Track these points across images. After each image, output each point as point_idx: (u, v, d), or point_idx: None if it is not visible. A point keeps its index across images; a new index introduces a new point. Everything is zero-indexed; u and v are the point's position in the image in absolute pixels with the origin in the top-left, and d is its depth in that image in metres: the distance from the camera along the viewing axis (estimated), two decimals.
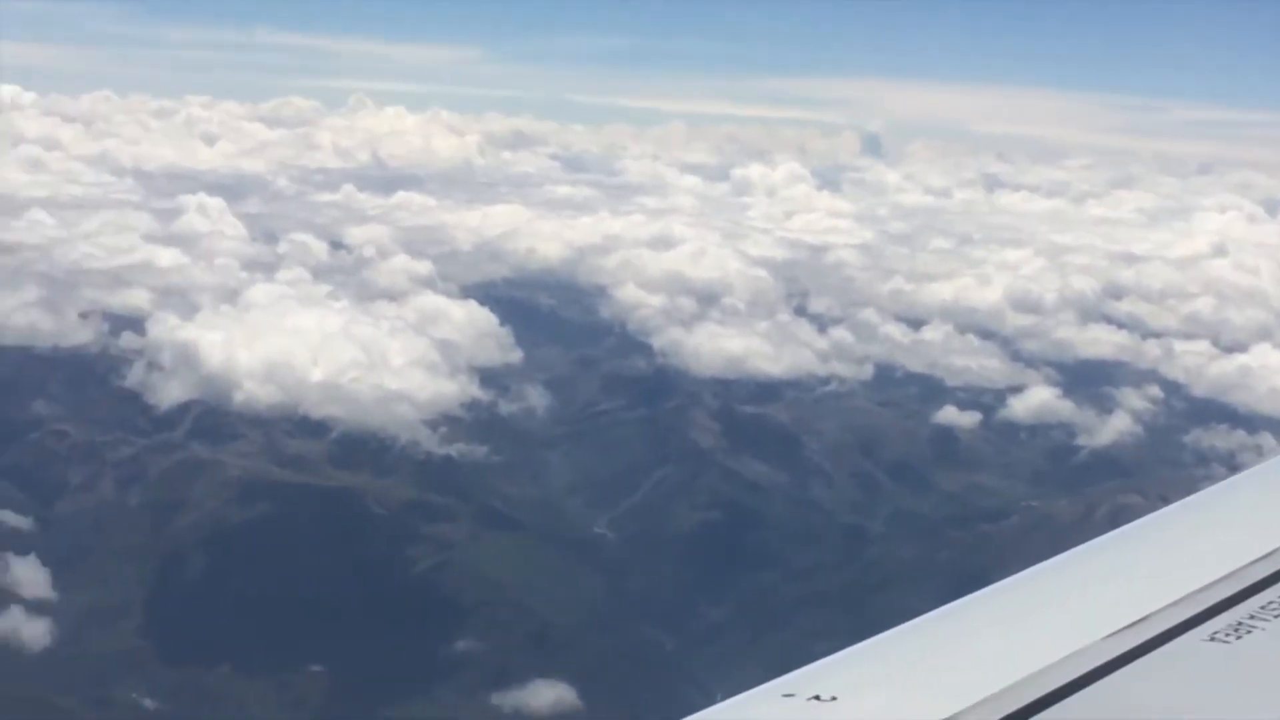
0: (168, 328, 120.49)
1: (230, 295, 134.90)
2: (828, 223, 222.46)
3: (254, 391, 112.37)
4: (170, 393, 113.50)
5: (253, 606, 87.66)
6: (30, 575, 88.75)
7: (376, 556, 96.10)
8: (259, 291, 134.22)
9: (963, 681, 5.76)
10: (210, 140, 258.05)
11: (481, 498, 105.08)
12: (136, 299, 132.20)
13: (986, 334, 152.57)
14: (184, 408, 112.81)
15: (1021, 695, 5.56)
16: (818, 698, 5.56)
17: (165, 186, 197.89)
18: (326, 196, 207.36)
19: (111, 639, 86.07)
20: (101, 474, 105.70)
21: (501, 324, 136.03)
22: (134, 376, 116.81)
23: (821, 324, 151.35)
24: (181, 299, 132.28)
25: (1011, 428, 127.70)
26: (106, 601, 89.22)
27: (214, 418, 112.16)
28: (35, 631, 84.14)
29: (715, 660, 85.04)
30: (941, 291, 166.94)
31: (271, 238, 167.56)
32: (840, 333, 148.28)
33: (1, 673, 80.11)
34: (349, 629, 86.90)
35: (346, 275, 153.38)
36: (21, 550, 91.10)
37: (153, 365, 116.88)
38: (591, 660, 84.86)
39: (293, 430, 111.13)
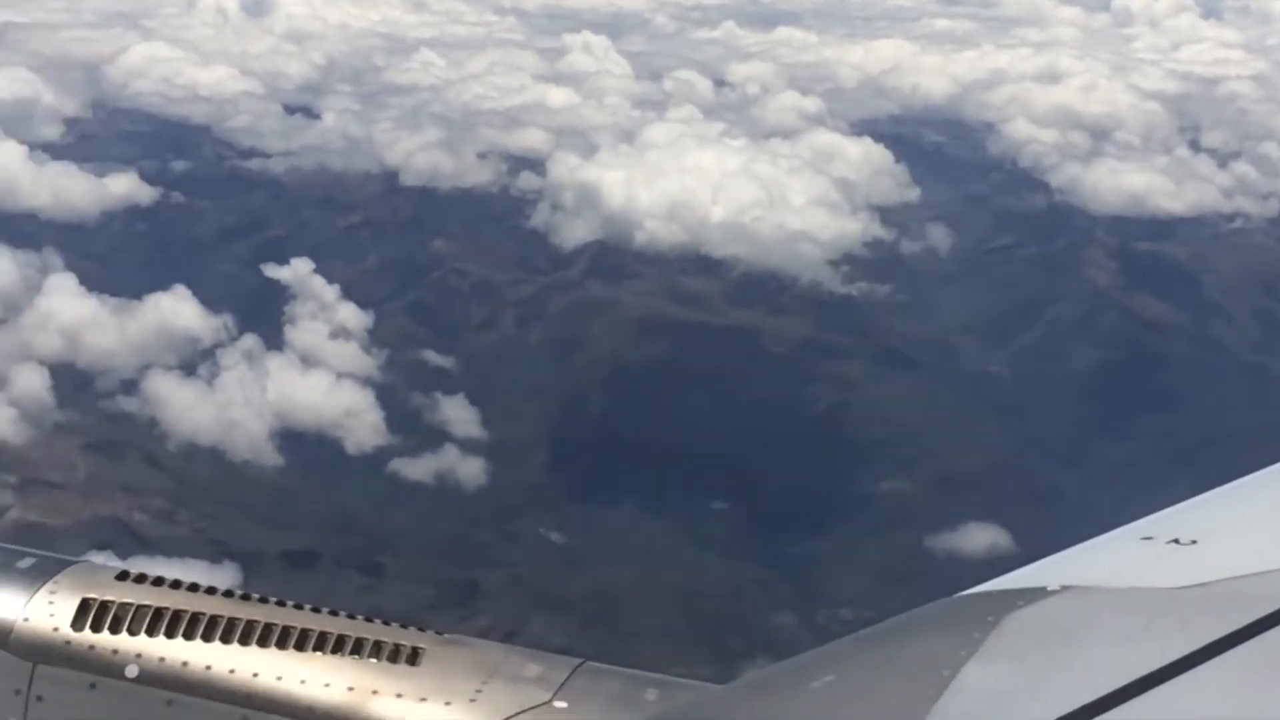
0: (567, 168, 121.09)
1: (625, 134, 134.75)
2: (1217, 53, 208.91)
3: (655, 231, 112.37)
4: (572, 232, 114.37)
5: (653, 444, 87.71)
6: (458, 413, 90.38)
7: (776, 395, 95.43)
8: (656, 131, 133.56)
9: None
10: None
11: (880, 337, 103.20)
12: (532, 139, 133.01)
13: None
14: (582, 247, 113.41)
15: None
16: (1177, 541, 5.41)
17: (546, 25, 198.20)
18: (706, 33, 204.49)
19: (520, 474, 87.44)
20: (502, 313, 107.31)
21: (896, 161, 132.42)
22: (536, 217, 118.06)
23: (1220, 159, 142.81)
24: (578, 138, 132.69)
25: None
26: (513, 438, 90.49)
27: (612, 257, 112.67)
28: (470, 470, 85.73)
29: (1119, 501, 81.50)
30: None
31: (656, 75, 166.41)
32: (1242, 167, 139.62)
33: (427, 510, 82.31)
34: (751, 466, 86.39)
35: (735, 113, 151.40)
36: (450, 389, 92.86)
37: (554, 206, 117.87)
38: (1013, 502, 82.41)
39: (691, 269, 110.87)
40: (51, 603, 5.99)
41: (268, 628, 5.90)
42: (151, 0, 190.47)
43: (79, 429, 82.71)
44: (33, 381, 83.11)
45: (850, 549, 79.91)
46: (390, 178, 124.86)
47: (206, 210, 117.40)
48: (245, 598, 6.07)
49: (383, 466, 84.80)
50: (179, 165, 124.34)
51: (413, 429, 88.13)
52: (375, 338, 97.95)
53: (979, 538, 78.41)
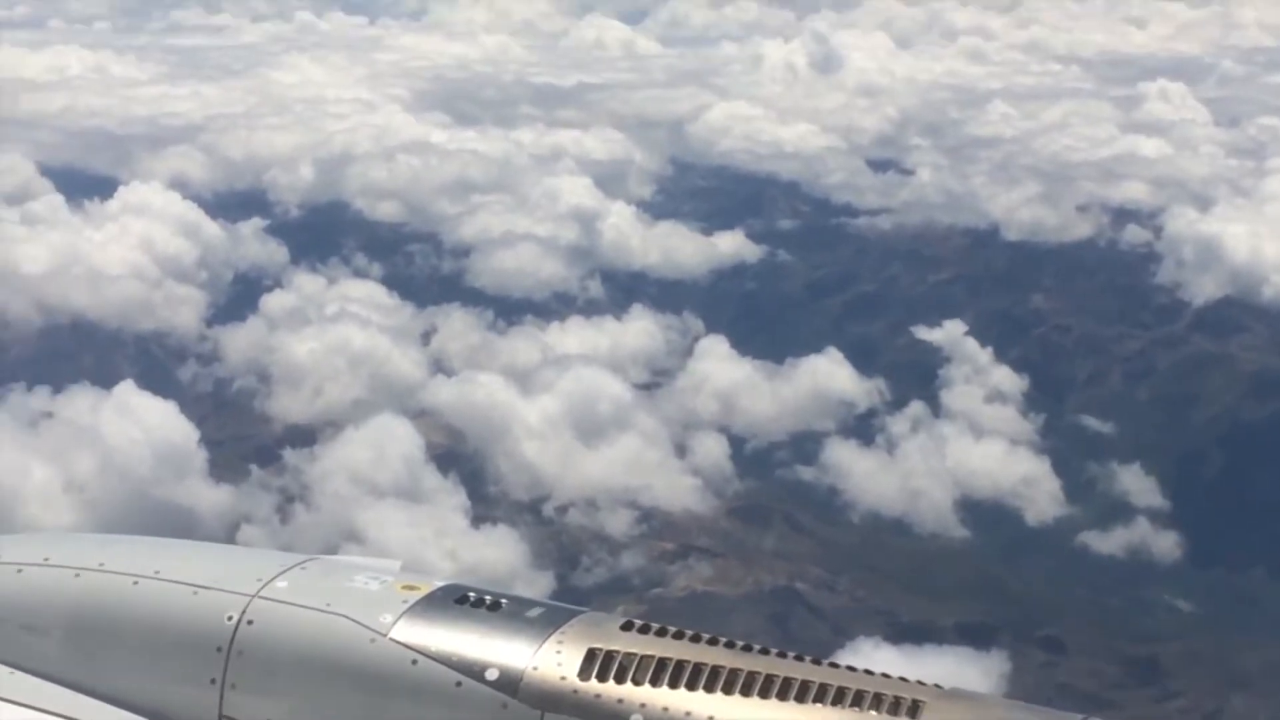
0: (1186, 221, 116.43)
1: (1234, 185, 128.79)
2: None
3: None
4: (1197, 287, 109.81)
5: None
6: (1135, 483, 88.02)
7: None
8: (1275, 183, 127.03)
9: None
10: (1139, 23, 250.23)
11: None
12: (1132, 190, 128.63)
13: None
14: (1201, 302, 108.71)
15: None
16: None
17: (1110, 73, 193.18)
18: (1277, 78, 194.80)
19: (1134, 538, 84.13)
20: (1108, 369, 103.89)
21: None
22: (1150, 271, 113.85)
23: None
24: (1178, 189, 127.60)
25: None
26: (1125, 498, 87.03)
27: (1224, 311, 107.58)
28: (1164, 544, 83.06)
29: None
30: None
31: (1234, 122, 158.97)
32: None
33: (1107, 583, 79.57)
34: None
35: None
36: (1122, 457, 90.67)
37: (1177, 261, 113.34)
38: None
39: None
40: (559, 652, 6.02)
41: (769, 679, 5.84)
42: (718, 58, 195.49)
43: (753, 496, 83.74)
44: (711, 449, 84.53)
45: None
46: (987, 232, 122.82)
47: (811, 267, 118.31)
48: (747, 648, 6.00)
49: (1066, 538, 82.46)
50: (783, 223, 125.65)
51: (1091, 498, 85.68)
52: (1030, 401, 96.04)
53: None
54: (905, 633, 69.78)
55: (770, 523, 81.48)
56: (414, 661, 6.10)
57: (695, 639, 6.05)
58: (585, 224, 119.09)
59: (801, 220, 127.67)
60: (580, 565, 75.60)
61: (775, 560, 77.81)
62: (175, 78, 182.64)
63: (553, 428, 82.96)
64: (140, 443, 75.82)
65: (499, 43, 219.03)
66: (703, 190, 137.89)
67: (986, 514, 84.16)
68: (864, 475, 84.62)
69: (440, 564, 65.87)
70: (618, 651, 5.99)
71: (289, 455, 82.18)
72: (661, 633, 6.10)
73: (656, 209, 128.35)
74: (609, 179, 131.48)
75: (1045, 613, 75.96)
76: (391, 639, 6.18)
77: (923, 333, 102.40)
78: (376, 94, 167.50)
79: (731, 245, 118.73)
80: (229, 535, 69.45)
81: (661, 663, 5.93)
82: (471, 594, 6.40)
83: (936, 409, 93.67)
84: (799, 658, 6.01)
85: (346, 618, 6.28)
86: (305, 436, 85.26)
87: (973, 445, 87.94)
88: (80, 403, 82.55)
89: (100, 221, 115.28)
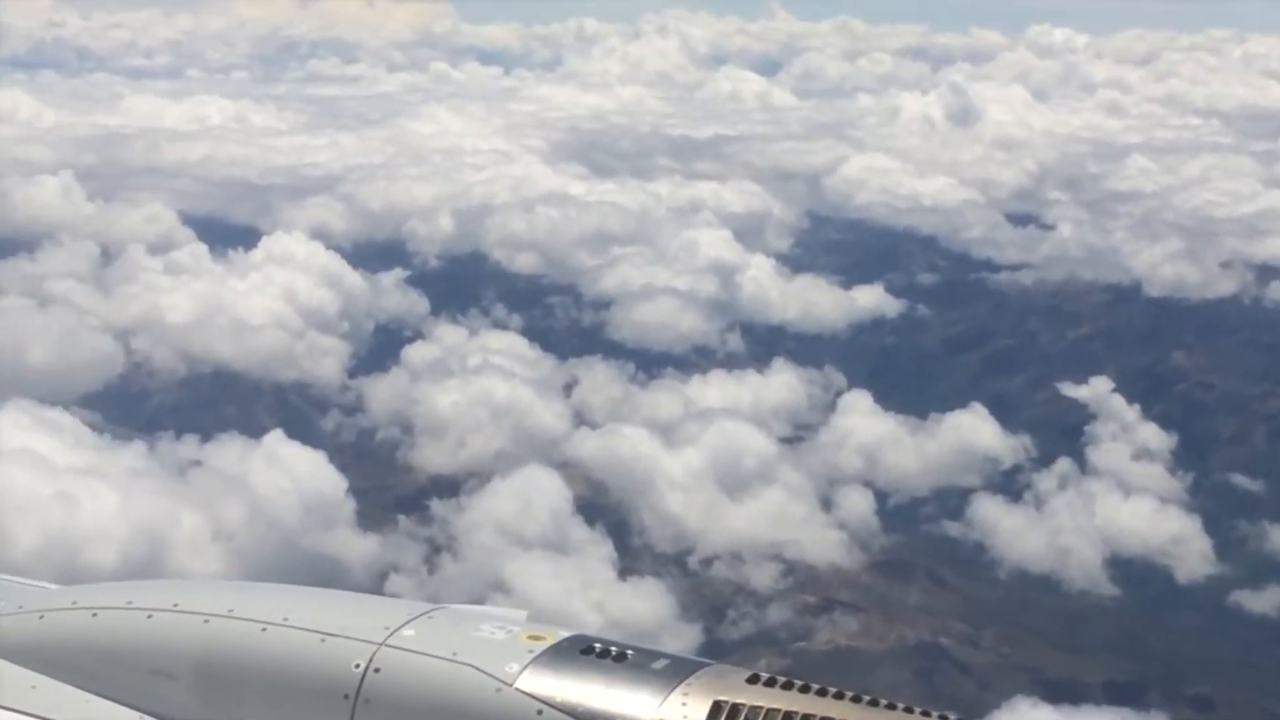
0: None
1: None
2: None
3: None
4: None
5: None
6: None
7: None
8: None
9: None
10: (1277, 77, 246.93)
11: None
12: (1276, 247, 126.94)
13: None
14: None
15: None
16: None
17: (1250, 127, 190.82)
18: None
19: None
20: (1254, 426, 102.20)
21: None
22: None
23: None
24: None
25: None
26: (1276, 557, 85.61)
27: None
28: None
29: None
30: None
31: None
32: None
33: (1260, 643, 78.17)
34: None
35: None
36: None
37: None
38: None
39: None
40: (684, 704, 5.96)
41: None
42: (853, 110, 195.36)
43: (898, 551, 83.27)
44: (856, 503, 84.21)
45: None
46: (1129, 288, 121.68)
47: (950, 322, 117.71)
48: (874, 703, 5.86)
49: (1217, 597, 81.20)
50: (922, 277, 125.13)
51: (1242, 557, 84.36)
52: (1177, 458, 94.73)
53: None
54: (1052, 690, 68.91)
55: (915, 578, 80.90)
56: (539, 712, 6.09)
57: (822, 693, 5.97)
58: (724, 277, 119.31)
59: (940, 274, 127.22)
60: (726, 618, 75.50)
61: (920, 615, 77.21)
62: (314, 127, 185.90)
63: (697, 480, 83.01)
64: (289, 492, 76.64)
65: (634, 94, 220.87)
66: (839, 243, 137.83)
67: (1136, 572, 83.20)
68: (1011, 531, 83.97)
69: (587, 616, 65.99)
70: (743, 705, 5.93)
71: (436, 505, 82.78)
72: (788, 686, 6.02)
73: (794, 261, 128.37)
74: (746, 231, 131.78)
75: (1195, 672, 74.69)
76: (517, 689, 6.17)
77: (1068, 389, 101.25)
78: (513, 145, 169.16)
79: (871, 299, 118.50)
80: (377, 585, 70.05)
81: (788, 716, 5.85)
82: (597, 645, 6.36)
83: (1083, 465, 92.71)
84: (926, 713, 5.83)
85: (473, 667, 6.28)
86: (449, 487, 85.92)
87: (1121, 502, 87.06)
88: (229, 451, 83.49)
89: (244, 271, 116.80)
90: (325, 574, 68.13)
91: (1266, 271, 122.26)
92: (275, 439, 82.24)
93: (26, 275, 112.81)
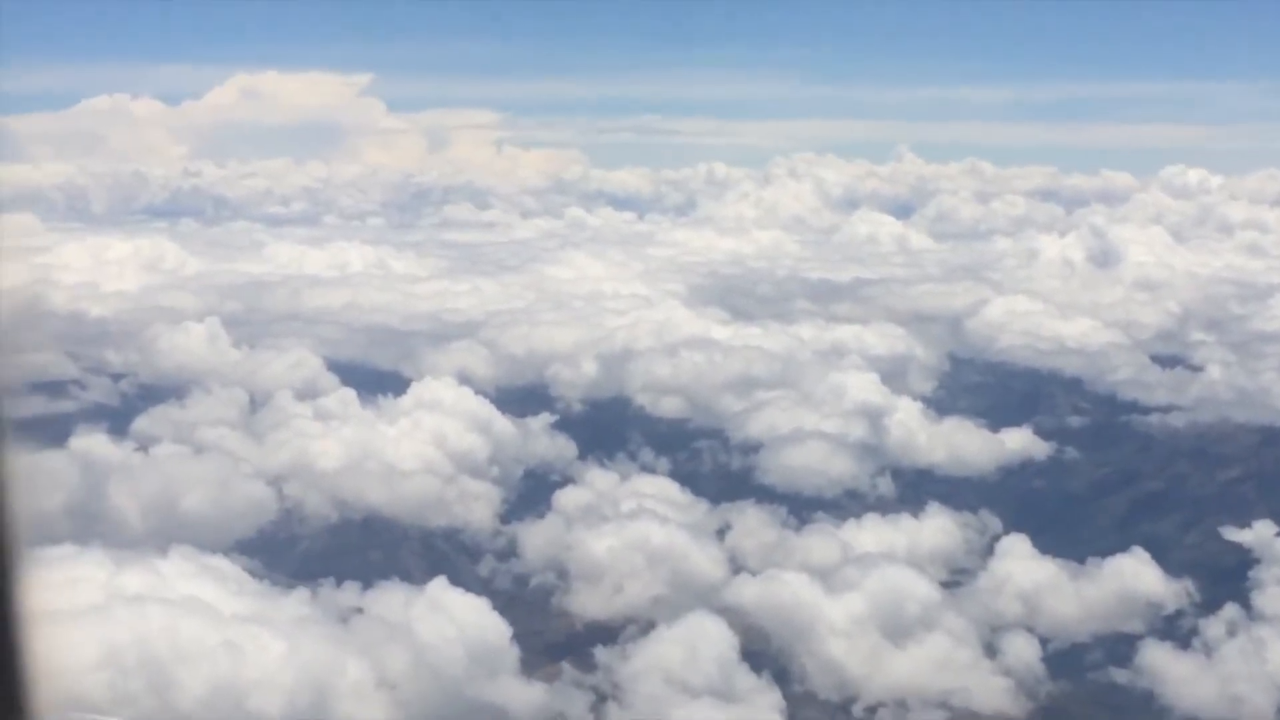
0: None
1: None
2: None
3: None
4: None
5: None
6: None
7: None
8: None
9: None
10: None
11: None
12: None
13: None
14: None
15: None
16: None
17: None
18: None
19: None
20: None
21: None
22: None
23: None
24: None
25: None
26: None
27: None
28: None
29: None
30: None
31: None
32: None
33: None
34: None
35: None
36: None
37: None
38: None
39: None
40: None
41: None
42: (991, 253, 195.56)
43: (1066, 699, 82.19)
44: (1021, 649, 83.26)
45: None
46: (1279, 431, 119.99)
47: (1098, 464, 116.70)
48: None
49: None
50: (1070, 420, 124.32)
51: None
52: None
53: None
54: None
55: None
56: None
57: None
58: (872, 420, 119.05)
59: (1087, 417, 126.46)
60: None
61: None
62: (454, 273, 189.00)
63: (859, 626, 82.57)
64: (453, 640, 76.98)
65: (771, 238, 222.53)
66: (983, 385, 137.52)
67: None
68: (1180, 679, 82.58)
69: None
70: None
71: (599, 653, 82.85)
72: None
73: (938, 404, 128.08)
74: (890, 374, 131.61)
75: None
76: None
77: (1230, 533, 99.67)
78: (653, 289, 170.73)
79: (1019, 442, 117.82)
80: None
81: None
82: None
83: (1249, 610, 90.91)
84: None
85: None
86: (608, 634, 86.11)
87: None
88: (390, 599, 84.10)
89: (392, 416, 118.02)
90: None
91: None
92: (438, 585, 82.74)
93: (177, 422, 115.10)
